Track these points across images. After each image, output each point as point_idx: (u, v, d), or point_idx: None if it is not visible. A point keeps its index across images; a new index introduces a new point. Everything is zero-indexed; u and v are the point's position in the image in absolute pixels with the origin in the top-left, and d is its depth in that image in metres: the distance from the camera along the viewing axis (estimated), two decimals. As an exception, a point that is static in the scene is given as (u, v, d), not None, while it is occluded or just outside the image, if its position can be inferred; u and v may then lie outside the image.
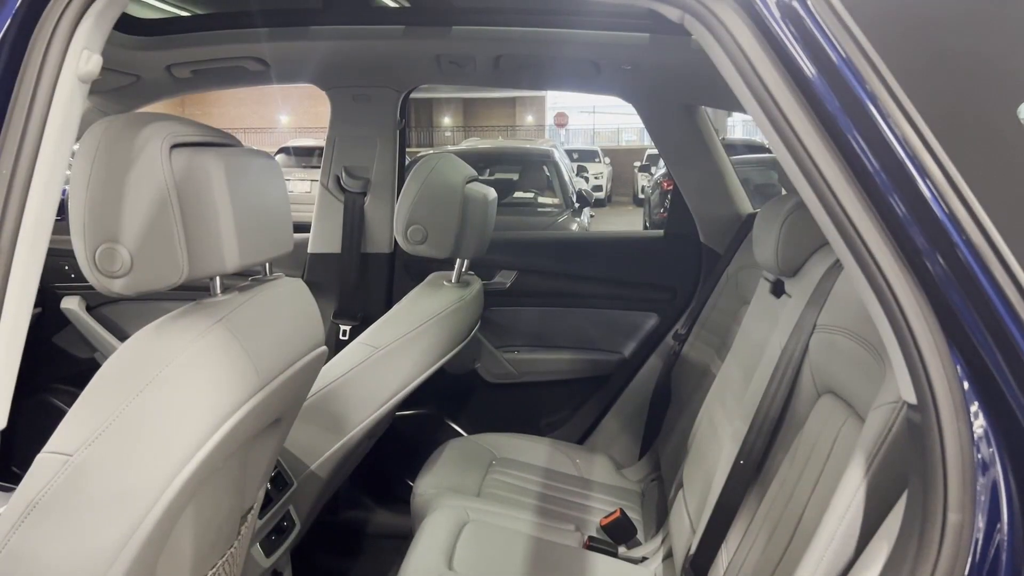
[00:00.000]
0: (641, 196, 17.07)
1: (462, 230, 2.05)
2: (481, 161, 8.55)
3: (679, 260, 2.56)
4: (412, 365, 1.95)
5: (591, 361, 2.61)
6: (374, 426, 1.95)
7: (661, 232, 2.65)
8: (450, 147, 11.67)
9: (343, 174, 2.50)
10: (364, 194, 2.51)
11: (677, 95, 2.36)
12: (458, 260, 2.13)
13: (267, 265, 1.35)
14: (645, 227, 12.72)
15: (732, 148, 11.12)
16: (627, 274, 2.59)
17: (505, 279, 2.62)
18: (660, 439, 2.40)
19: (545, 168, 8.44)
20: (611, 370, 2.61)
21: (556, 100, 31.80)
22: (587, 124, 34.02)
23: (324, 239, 2.55)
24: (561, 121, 27.16)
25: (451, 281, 2.14)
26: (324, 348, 1.46)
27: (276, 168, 1.29)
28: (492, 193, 2.18)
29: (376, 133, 2.49)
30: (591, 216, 8.33)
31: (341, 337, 2.53)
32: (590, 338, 2.63)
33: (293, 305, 1.33)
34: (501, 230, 2.53)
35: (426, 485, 2.06)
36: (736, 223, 2.45)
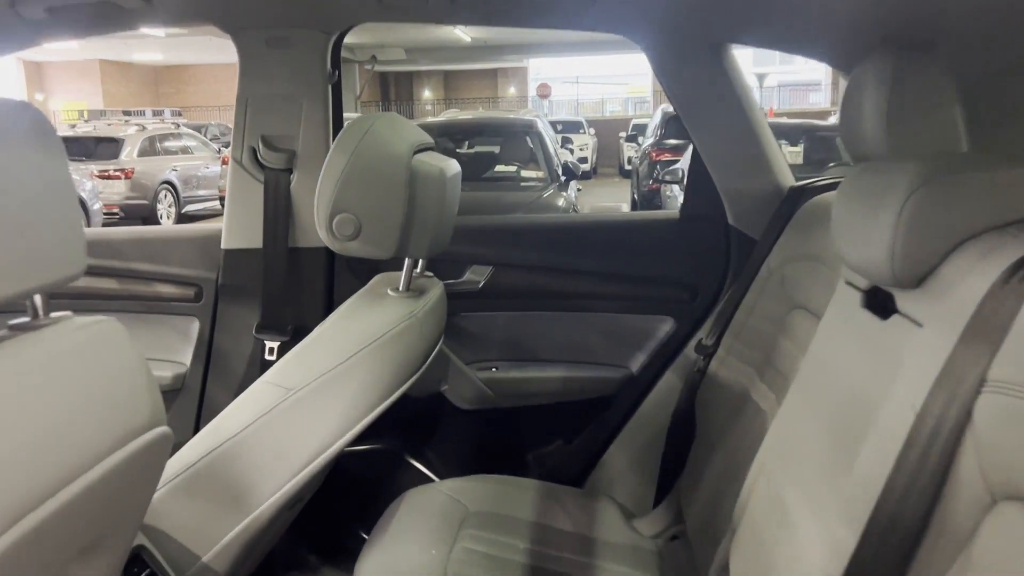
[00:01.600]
0: (628, 167, 16.57)
1: (410, 220, 1.46)
2: (460, 133, 7.96)
3: (700, 248, 1.99)
4: (342, 411, 1.38)
5: (589, 379, 2.05)
6: (293, 496, 1.39)
7: (676, 213, 2.07)
8: (429, 119, 11.06)
9: (260, 146, 1.91)
10: (289, 171, 1.92)
11: (701, 30, 1.77)
12: (408, 260, 1.54)
13: (35, 301, 0.78)
14: (633, 199, 12.17)
15: None
16: (633, 267, 2.02)
17: (477, 277, 2.04)
18: (683, 482, 1.85)
19: (528, 139, 7.84)
20: (615, 390, 2.04)
21: (539, 71, 31.09)
22: (571, 95, 33.28)
23: (240, 231, 1.96)
24: (544, 92, 26.47)
25: (398, 289, 1.55)
26: (163, 431, 0.89)
27: (45, 135, 0.71)
28: (452, 166, 1.59)
29: (301, 90, 1.89)
30: (578, 190, 7.76)
31: (268, 357, 1.96)
32: (587, 349, 2.06)
33: (78, 371, 0.76)
34: (481, 208, 1.91)
35: (372, 569, 1.50)
36: (775, 200, 1.88)
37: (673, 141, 10.94)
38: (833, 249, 1.53)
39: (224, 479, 1.34)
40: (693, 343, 1.95)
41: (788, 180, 1.92)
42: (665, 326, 2.01)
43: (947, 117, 1.36)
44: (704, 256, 1.97)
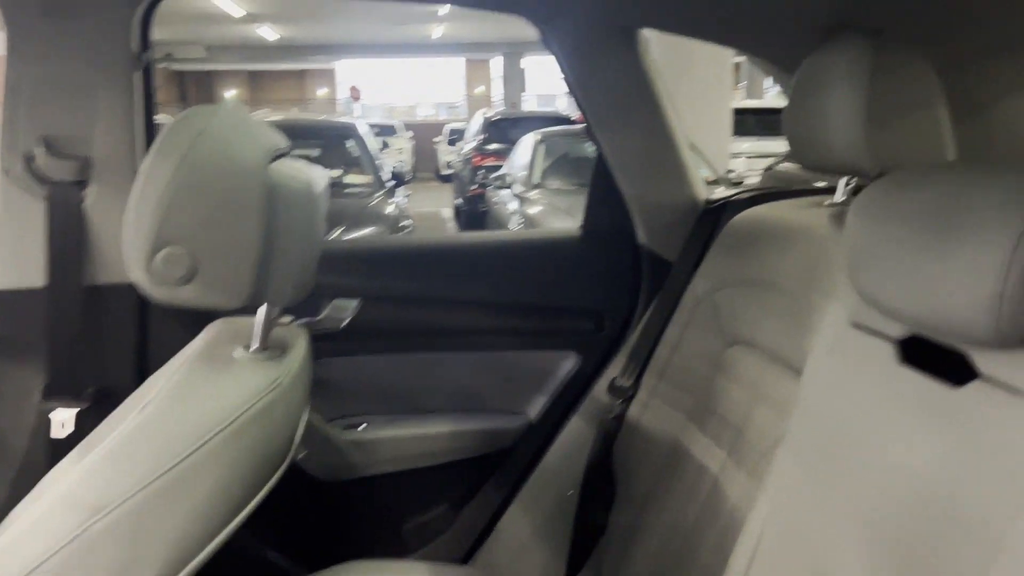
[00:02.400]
0: (447, 171, 16.41)
1: (269, 253, 1.05)
2: (274, 136, 7.36)
3: (606, 271, 1.70)
4: (184, 532, 0.95)
5: (480, 432, 1.71)
6: None
7: (576, 230, 1.76)
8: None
9: (40, 151, 1.41)
10: (82, 184, 1.44)
11: (610, 10, 1.48)
12: (264, 309, 1.13)
13: None
14: (456, 208, 11.94)
15: (529, 121, 10.52)
16: (528, 295, 1.70)
17: (341, 313, 1.64)
18: (605, 553, 1.55)
19: (349, 143, 7.37)
20: (511, 442, 1.72)
21: (349, 73, 30.28)
22: (383, 98, 32.67)
23: (14, 265, 1.45)
24: (355, 95, 25.82)
25: (250, 348, 1.13)
26: None
27: None
28: (319, 178, 1.19)
29: (96, 76, 1.41)
30: (407, 196, 7.38)
31: (57, 433, 1.46)
32: (477, 396, 1.72)
33: None
34: None
35: None
36: (691, 216, 1.63)
37: (495, 146, 10.86)
38: (789, 274, 1.28)
39: None
40: (602, 383, 1.66)
41: (702, 193, 1.67)
42: (568, 363, 1.71)
43: (935, 118, 1.15)
44: (611, 279, 1.69)
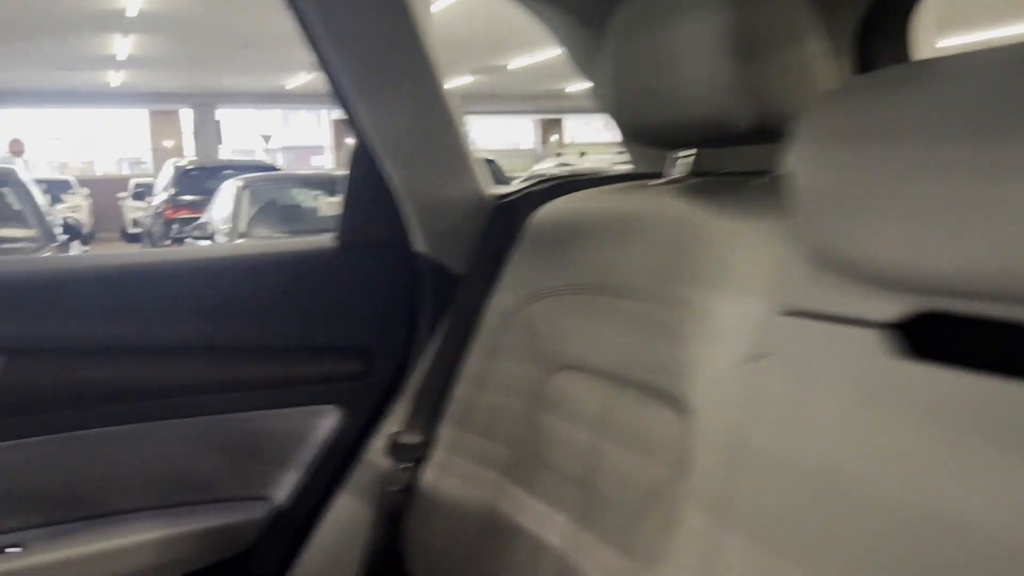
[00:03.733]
0: (134, 229, 14.89)
1: None
2: (-102, 185, 6.00)
3: (373, 292, 1.27)
4: None
5: (203, 533, 1.18)
6: None
7: (329, 240, 1.31)
8: None
9: None
10: None
11: None
12: None
13: None
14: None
15: (227, 171, 9.74)
16: (263, 332, 1.22)
17: None
18: None
19: (8, 192, 6.19)
20: (252, 540, 1.21)
21: (10, 123, 26.68)
22: (55, 154, 29.15)
23: None
24: (16, 148, 22.76)
25: None
26: None
27: None
28: None
29: None
30: (85, 251, 6.34)
31: None
32: (196, 480, 1.20)
33: None
34: None
35: None
36: (480, 216, 1.27)
37: (190, 197, 9.98)
38: (634, 271, 0.97)
39: None
40: (377, 443, 1.23)
41: (489, 188, 1.32)
42: (327, 420, 1.25)
43: (814, 49, 0.90)
44: (380, 303, 1.27)
